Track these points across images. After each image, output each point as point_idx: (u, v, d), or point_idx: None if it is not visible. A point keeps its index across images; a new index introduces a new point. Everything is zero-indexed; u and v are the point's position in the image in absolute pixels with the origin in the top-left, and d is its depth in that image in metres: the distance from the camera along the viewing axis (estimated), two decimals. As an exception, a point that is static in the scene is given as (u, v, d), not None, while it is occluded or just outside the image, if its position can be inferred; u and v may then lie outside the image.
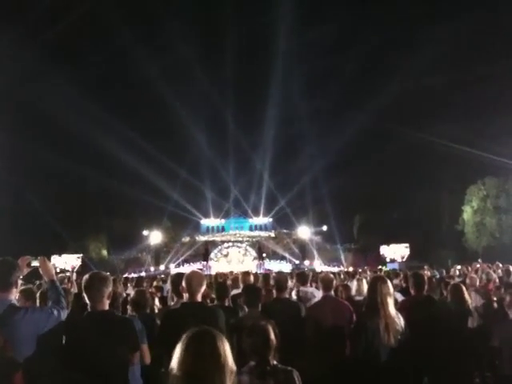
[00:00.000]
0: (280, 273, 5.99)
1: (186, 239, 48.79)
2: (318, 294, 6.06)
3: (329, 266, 39.48)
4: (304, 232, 46.16)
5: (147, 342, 3.96)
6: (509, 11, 36.40)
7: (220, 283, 5.75)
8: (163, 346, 3.65)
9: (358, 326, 4.10)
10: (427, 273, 13.35)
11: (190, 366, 1.87)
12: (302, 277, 6.61)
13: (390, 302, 3.90)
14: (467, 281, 7.79)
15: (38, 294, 4.96)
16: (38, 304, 4.61)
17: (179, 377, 1.87)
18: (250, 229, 52.12)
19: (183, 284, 3.83)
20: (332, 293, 5.32)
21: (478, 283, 7.71)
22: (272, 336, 2.89)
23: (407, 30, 50.32)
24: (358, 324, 4.19)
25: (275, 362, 2.82)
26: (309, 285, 6.72)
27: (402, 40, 49.41)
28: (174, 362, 1.92)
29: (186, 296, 3.84)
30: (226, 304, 5.61)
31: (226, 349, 1.96)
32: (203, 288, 3.84)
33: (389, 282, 4.05)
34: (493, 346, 4.95)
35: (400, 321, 3.90)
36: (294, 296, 6.65)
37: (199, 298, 3.80)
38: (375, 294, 3.89)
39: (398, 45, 49.40)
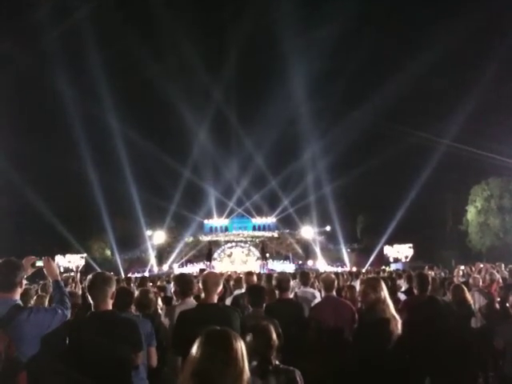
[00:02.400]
0: (282, 273, 5.99)
1: (190, 239, 48.78)
2: (318, 295, 6.07)
3: (332, 266, 39.48)
4: (307, 232, 46.14)
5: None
6: (511, 12, 36.31)
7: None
8: (177, 348, 3.66)
9: (359, 327, 4.12)
10: (431, 273, 13.34)
11: (205, 366, 1.85)
12: (303, 277, 6.59)
13: (388, 303, 3.92)
14: (470, 281, 7.79)
15: (47, 298, 4.99)
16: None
17: (193, 376, 1.85)
18: (254, 229, 52.04)
19: (199, 284, 3.84)
20: (334, 293, 5.32)
21: (481, 283, 7.71)
22: (274, 336, 2.89)
23: (409, 31, 50.22)
24: (359, 325, 4.20)
25: (277, 362, 2.83)
26: (309, 286, 6.70)
27: (404, 41, 49.25)
28: (189, 361, 1.90)
29: (202, 295, 3.86)
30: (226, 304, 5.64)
31: (243, 350, 1.94)
32: (219, 288, 3.84)
33: (383, 283, 4.07)
34: (496, 347, 4.94)
35: (397, 322, 3.91)
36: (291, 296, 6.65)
37: (215, 298, 3.81)
38: (373, 294, 3.91)
39: (400, 45, 49.25)
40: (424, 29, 46.26)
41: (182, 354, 3.41)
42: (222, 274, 12.65)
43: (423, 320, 4.42)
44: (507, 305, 6.03)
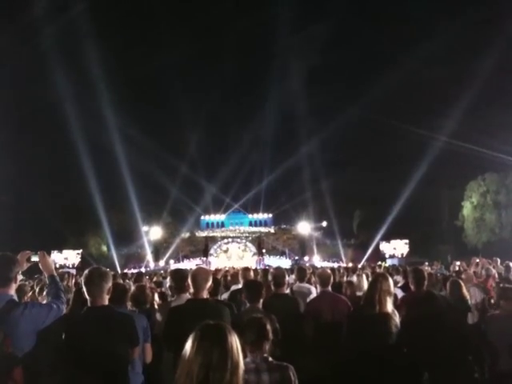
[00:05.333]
0: (278, 268, 5.97)
1: (186, 235, 48.81)
2: (314, 291, 6.06)
3: (328, 261, 39.54)
4: (304, 228, 46.19)
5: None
6: (510, 7, 36.27)
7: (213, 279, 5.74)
8: (168, 343, 3.66)
9: (357, 321, 4.10)
10: (428, 268, 13.39)
11: (201, 360, 1.84)
12: (300, 273, 6.59)
13: (388, 299, 3.91)
14: (463, 276, 7.81)
15: (37, 289, 4.96)
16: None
17: (189, 371, 1.85)
18: (250, 224, 52.15)
19: (189, 280, 3.83)
20: (330, 288, 5.31)
21: (474, 279, 7.73)
22: (268, 331, 2.87)
23: (407, 25, 50.15)
24: (358, 319, 4.18)
25: (270, 358, 2.80)
26: (305, 282, 6.70)
27: (402, 35, 49.26)
28: (184, 356, 1.90)
29: (191, 291, 3.84)
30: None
31: (237, 343, 1.95)
32: (209, 284, 3.84)
33: (390, 279, 4.05)
34: (490, 341, 4.96)
35: (395, 318, 3.90)
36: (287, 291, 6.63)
37: (205, 294, 3.80)
38: (375, 290, 3.90)
39: (398, 40, 49.26)
40: (421, 23, 46.33)
41: (173, 349, 3.41)
42: (219, 270, 12.68)
43: (422, 315, 4.41)
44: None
